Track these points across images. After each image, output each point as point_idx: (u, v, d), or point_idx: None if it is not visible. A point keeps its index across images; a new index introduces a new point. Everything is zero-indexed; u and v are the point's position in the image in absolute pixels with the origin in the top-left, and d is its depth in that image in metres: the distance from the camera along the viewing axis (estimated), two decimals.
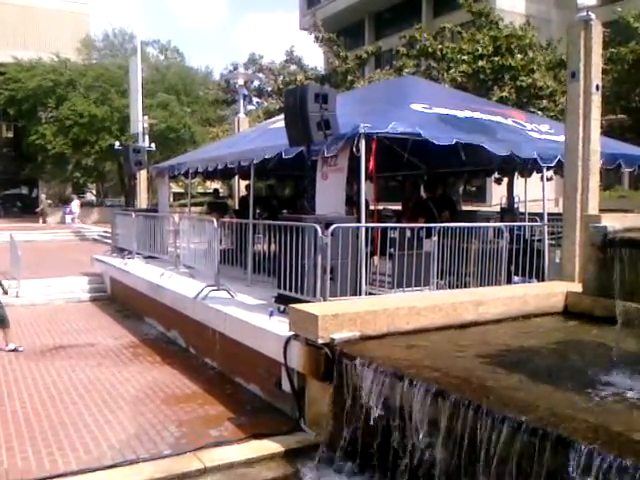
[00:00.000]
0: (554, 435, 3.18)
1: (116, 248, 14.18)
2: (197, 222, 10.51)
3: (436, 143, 7.37)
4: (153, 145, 19.82)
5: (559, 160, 8.06)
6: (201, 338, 8.07)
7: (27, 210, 40.76)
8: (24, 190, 44.26)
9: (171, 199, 29.45)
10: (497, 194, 20.02)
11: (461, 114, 8.64)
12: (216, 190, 19.27)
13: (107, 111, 33.68)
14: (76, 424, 5.71)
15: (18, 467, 4.79)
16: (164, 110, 34.01)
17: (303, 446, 5.16)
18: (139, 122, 19.85)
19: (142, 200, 18.21)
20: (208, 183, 27.81)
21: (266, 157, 8.59)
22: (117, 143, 23.32)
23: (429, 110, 8.37)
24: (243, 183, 14.97)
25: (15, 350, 8.27)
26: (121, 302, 12.18)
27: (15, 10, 38.08)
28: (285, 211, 12.02)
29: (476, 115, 8.87)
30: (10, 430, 5.55)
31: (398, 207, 12.03)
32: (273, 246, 8.77)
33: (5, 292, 9.15)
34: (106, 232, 22.03)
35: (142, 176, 18.12)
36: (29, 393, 6.63)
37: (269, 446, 5.12)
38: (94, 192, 49.70)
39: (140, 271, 11.33)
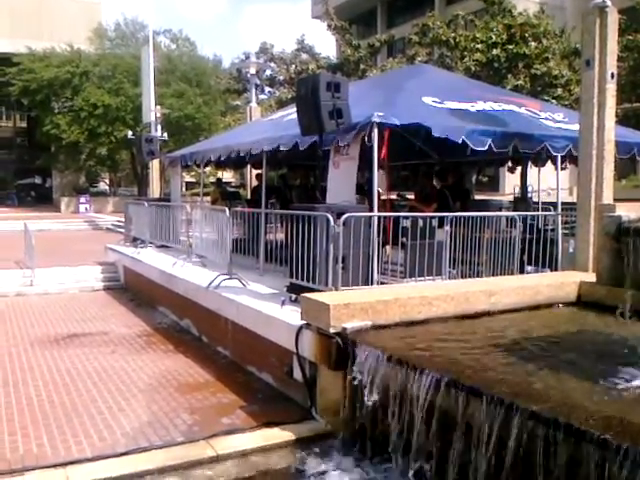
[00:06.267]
0: (566, 424, 3.17)
1: (129, 237, 14.26)
2: (209, 211, 10.53)
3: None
4: (166, 134, 19.85)
5: (570, 149, 8.02)
6: (214, 327, 8.11)
7: (41, 199, 41.09)
8: (37, 180, 44.55)
9: (183, 188, 29.59)
10: (510, 183, 19.90)
11: (472, 108, 8.53)
12: (219, 180, 19.29)
13: (121, 101, 33.79)
14: (90, 411, 5.77)
15: (33, 453, 4.85)
16: (180, 99, 34.09)
17: (314, 434, 5.18)
18: (151, 112, 19.86)
19: (155, 189, 18.26)
20: (220, 173, 27.87)
21: (281, 148, 8.58)
22: (130, 133, 23.37)
23: (440, 105, 8.30)
24: (255, 172, 14.97)
25: None
26: (134, 291, 12.25)
27: (28, 0, 38.17)
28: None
29: (488, 106, 8.77)
30: (25, 417, 5.61)
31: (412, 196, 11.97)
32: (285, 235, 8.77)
33: None
34: (119, 221, 22.15)
35: (155, 165, 18.18)
36: (44, 381, 6.70)
37: (281, 434, 5.15)
38: (107, 181, 50.01)
39: (153, 260, 11.39)
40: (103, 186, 50.27)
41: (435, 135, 7.27)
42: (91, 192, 41.36)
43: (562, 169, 9.58)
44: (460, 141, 7.34)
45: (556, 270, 7.96)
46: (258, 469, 4.72)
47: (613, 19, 6.98)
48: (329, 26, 29.61)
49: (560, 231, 8.46)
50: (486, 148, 7.58)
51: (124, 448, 4.92)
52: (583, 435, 3.06)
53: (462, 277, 7.38)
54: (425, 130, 7.38)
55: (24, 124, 45.48)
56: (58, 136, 34.18)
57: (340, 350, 5.00)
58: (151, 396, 6.23)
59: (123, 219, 16.23)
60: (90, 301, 11.53)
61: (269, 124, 11.48)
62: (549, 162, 10.63)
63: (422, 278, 7.08)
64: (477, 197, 12.73)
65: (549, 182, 10.98)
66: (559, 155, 8.48)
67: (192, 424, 5.48)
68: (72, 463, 4.65)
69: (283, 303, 6.75)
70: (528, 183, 12.53)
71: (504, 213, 8.79)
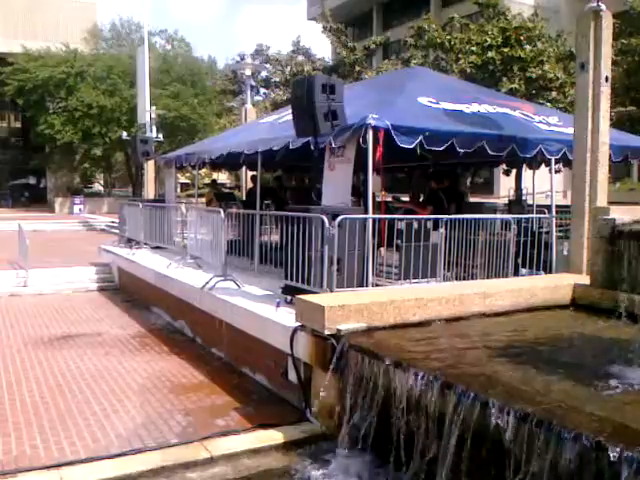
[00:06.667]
0: (560, 427, 3.17)
1: (123, 238, 14.23)
2: (204, 213, 10.52)
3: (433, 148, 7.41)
4: (161, 135, 19.82)
5: (565, 152, 8.06)
6: (208, 328, 8.10)
7: (35, 200, 40.96)
8: (32, 180, 44.42)
9: (178, 189, 29.53)
10: (505, 186, 19.97)
11: (468, 109, 8.57)
12: (214, 181, 19.31)
13: (116, 102, 33.74)
14: (84, 413, 5.75)
15: (27, 455, 4.83)
16: (175, 99, 34.07)
17: (309, 436, 5.18)
18: (146, 112, 19.82)
19: (149, 190, 18.24)
20: (215, 174, 27.85)
21: (274, 148, 8.58)
22: (125, 134, 23.36)
23: (436, 105, 8.32)
24: (250, 174, 14.97)
25: None
26: (129, 292, 12.23)
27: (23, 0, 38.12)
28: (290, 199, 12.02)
29: (483, 109, 8.80)
30: (19, 418, 5.59)
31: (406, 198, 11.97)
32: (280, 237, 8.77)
33: None
34: (113, 222, 22.11)
35: (149, 166, 18.16)
36: (37, 382, 6.67)
37: (275, 436, 5.15)
38: (102, 182, 49.92)
39: (147, 261, 11.37)
40: (97, 187, 50.16)
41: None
42: (85, 193, 41.28)
43: (556, 172, 9.62)
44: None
45: (550, 273, 7.98)
46: (252, 471, 4.72)
47: (608, 23, 7.01)
48: (325, 28, 29.64)
49: (554, 234, 8.49)
50: (478, 151, 7.62)
51: (118, 450, 4.90)
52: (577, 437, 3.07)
53: (457, 279, 7.39)
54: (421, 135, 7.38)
55: (18, 124, 45.32)
56: (52, 136, 34.10)
57: (335, 352, 4.99)
58: (145, 397, 6.22)
59: (117, 220, 16.20)
60: (84, 302, 11.49)
61: (264, 126, 11.48)
62: (543, 165, 10.66)
63: (417, 280, 7.09)
64: (472, 199, 12.76)
65: (544, 185, 11.01)
66: (553, 158, 8.51)
67: (186, 425, 5.47)
68: (66, 465, 4.62)
69: (278, 305, 6.74)
70: (523, 186, 12.58)
71: (499, 216, 8.82)
